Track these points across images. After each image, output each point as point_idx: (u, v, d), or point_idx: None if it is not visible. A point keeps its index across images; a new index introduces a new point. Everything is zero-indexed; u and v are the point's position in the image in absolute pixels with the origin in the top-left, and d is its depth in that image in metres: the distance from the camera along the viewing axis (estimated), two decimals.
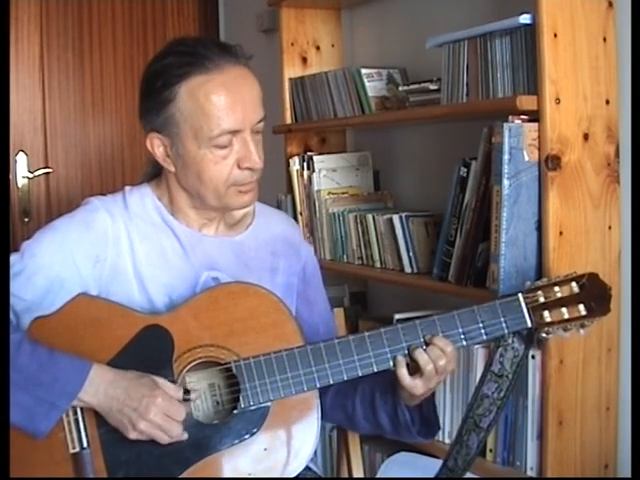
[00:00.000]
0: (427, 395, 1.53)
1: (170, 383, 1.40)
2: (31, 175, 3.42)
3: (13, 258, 1.48)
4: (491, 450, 1.97)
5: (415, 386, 1.46)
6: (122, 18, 3.54)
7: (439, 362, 1.45)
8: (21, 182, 3.41)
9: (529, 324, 1.48)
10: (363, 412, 1.63)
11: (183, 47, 1.51)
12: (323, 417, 1.70)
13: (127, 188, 1.60)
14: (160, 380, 1.39)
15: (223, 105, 1.45)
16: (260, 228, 1.66)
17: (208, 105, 1.45)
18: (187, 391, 1.41)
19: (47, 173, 3.45)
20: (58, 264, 1.47)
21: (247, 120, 1.48)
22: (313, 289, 1.72)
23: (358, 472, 1.83)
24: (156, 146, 1.52)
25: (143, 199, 1.58)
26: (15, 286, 1.44)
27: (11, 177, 3.37)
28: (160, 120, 1.49)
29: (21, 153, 3.39)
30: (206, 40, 1.53)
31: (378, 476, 2.06)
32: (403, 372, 1.46)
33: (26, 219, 3.42)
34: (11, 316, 1.44)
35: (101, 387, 1.36)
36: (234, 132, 1.47)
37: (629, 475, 1.74)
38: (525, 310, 1.48)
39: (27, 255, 1.48)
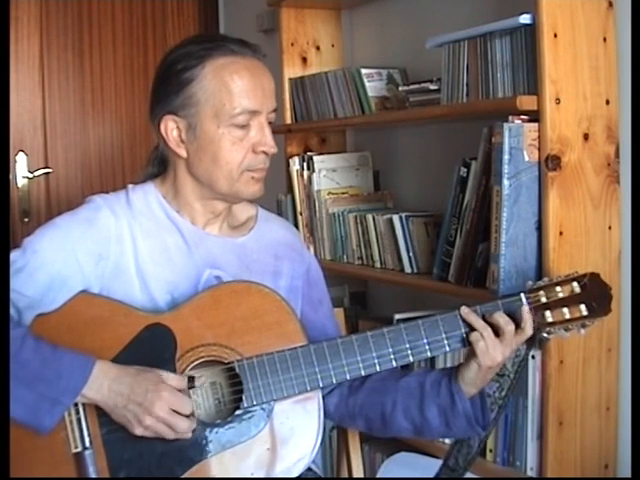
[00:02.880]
0: (489, 379, 1.53)
1: (173, 374, 1.40)
2: (31, 175, 3.42)
3: (14, 255, 1.48)
4: (491, 450, 1.97)
5: (496, 355, 1.46)
6: (122, 18, 3.54)
7: (510, 326, 1.47)
8: (21, 182, 3.41)
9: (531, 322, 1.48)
10: (405, 408, 1.57)
11: (202, 38, 1.61)
12: (343, 421, 1.70)
13: (130, 186, 1.60)
14: (164, 373, 1.39)
15: (246, 85, 1.50)
16: (262, 232, 1.67)
17: (232, 84, 1.49)
18: (191, 379, 1.42)
19: (47, 173, 3.45)
20: (60, 261, 1.47)
21: (265, 104, 1.52)
22: (318, 291, 1.72)
23: (358, 472, 1.83)
24: (170, 130, 1.53)
25: (147, 196, 1.58)
26: (17, 282, 1.44)
27: (11, 177, 3.37)
28: (178, 101, 1.51)
29: (21, 153, 3.39)
30: (223, 34, 1.61)
31: (378, 476, 2.06)
32: (482, 345, 1.46)
33: (26, 219, 3.42)
34: (13, 313, 1.44)
35: (105, 383, 1.36)
36: (253, 113, 1.50)
37: (629, 475, 1.74)
38: (527, 310, 1.48)
39: (29, 251, 1.48)
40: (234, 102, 1.49)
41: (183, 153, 1.54)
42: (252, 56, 1.53)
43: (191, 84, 1.50)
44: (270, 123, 1.55)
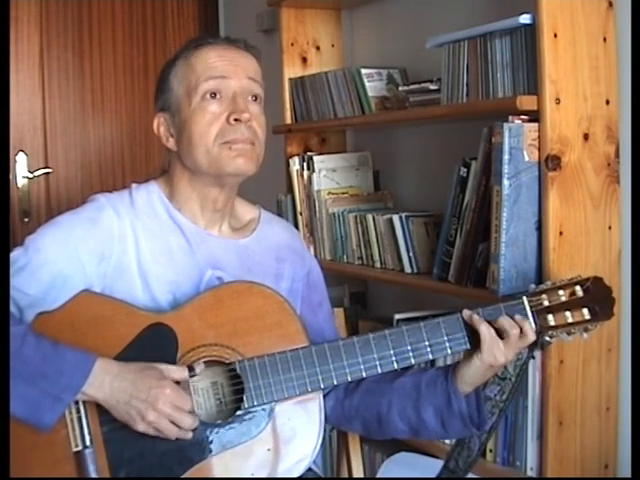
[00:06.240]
0: (487, 378, 1.53)
1: (173, 366, 1.41)
2: (31, 175, 3.42)
3: (16, 253, 1.48)
4: (491, 450, 1.97)
5: (500, 355, 1.46)
6: (122, 18, 3.54)
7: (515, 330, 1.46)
8: (21, 182, 3.40)
9: (533, 327, 1.48)
10: (401, 410, 1.57)
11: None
12: (340, 424, 1.70)
13: (133, 185, 1.61)
14: (164, 367, 1.39)
15: (210, 60, 1.54)
16: (264, 234, 1.67)
17: (197, 61, 1.55)
18: (191, 368, 1.42)
19: (47, 173, 3.45)
20: (62, 260, 1.47)
21: (234, 72, 1.54)
22: (317, 294, 1.72)
23: (358, 472, 1.83)
24: (160, 126, 1.58)
25: (150, 196, 1.59)
26: (19, 281, 1.44)
27: (11, 177, 3.37)
28: (163, 97, 1.58)
29: (21, 153, 3.39)
30: (217, 36, 1.65)
31: (378, 476, 2.06)
32: (489, 340, 1.45)
33: (26, 219, 3.41)
34: (15, 311, 1.44)
35: (106, 380, 1.36)
36: (220, 80, 1.52)
37: (629, 475, 1.74)
38: (530, 313, 1.48)
39: (31, 250, 1.48)
40: (198, 73, 1.53)
41: (173, 146, 1.57)
42: (230, 44, 1.57)
43: (170, 76, 1.57)
44: (256, 98, 1.56)
